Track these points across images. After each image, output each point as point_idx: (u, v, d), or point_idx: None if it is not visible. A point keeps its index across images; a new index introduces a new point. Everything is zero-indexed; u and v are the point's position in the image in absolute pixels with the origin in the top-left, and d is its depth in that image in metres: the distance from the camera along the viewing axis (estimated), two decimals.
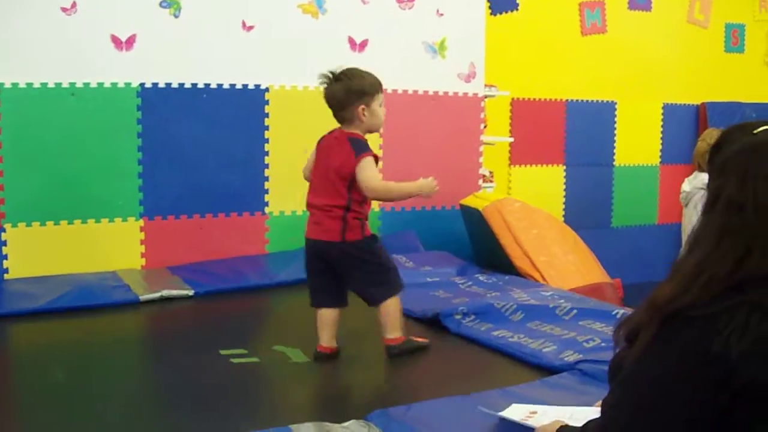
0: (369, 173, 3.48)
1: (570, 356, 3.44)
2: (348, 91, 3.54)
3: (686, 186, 5.36)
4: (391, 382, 3.61)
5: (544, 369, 3.44)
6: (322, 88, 3.65)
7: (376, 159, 3.57)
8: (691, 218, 5.31)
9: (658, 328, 1.59)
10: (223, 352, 3.69)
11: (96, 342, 4.10)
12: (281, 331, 4.38)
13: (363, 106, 3.55)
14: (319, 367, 3.65)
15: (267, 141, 5.43)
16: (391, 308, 3.61)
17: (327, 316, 3.64)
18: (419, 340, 3.77)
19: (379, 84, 3.67)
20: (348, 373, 3.68)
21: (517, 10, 6.91)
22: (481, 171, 6.11)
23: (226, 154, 5.33)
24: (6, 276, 4.97)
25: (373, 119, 3.60)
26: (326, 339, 3.64)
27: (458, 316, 4.10)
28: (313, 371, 3.63)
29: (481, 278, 4.88)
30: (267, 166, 5.45)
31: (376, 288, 3.60)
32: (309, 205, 3.65)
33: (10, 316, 4.36)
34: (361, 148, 3.53)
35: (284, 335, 4.14)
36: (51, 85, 4.98)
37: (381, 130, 3.92)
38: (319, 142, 3.69)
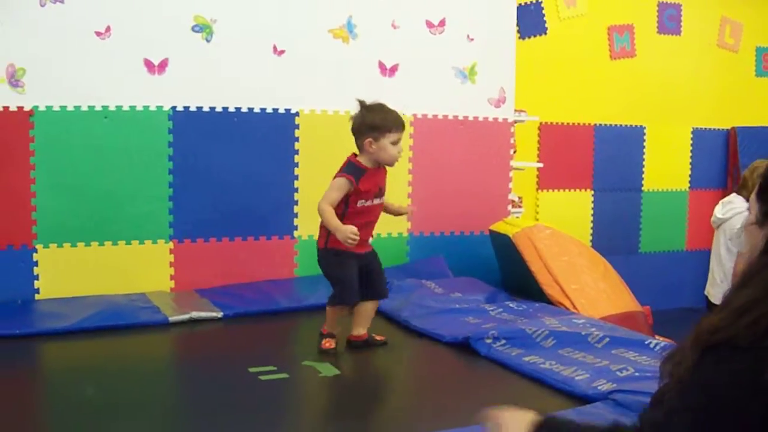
0: (327, 191, 3.93)
1: (603, 385, 3.40)
2: (361, 123, 3.95)
3: (719, 211, 5.31)
4: (418, 405, 3.58)
5: (577, 397, 3.40)
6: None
7: (352, 183, 3.91)
8: (719, 244, 5.23)
9: (702, 357, 1.58)
10: (252, 369, 3.72)
11: (125, 362, 4.11)
12: (310, 349, 4.37)
13: (370, 139, 3.92)
14: (348, 381, 3.69)
15: (297, 165, 5.44)
16: (329, 313, 4.13)
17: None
18: (378, 338, 4.25)
19: (396, 123, 3.96)
20: (376, 393, 3.67)
21: (545, 34, 6.91)
22: (510, 196, 6.09)
23: (256, 178, 5.34)
24: (37, 296, 5.02)
25: (379, 153, 3.94)
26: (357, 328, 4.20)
27: (489, 340, 4.09)
28: (342, 386, 3.65)
29: (511, 305, 4.85)
30: (296, 190, 5.46)
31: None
32: None
33: (41, 336, 4.40)
34: (344, 169, 3.97)
35: (313, 352, 4.15)
36: (84, 108, 5.03)
37: (394, 165, 4.06)
38: None
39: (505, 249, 5.41)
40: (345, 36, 5.51)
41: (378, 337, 4.23)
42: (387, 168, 4.10)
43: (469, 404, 3.45)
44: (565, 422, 1.85)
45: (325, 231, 3.96)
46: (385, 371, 4.05)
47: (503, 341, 4.07)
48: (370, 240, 4.16)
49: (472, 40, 5.87)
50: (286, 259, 5.47)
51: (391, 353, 4.30)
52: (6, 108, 4.92)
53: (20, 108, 4.94)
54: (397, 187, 5.65)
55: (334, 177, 3.94)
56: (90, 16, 5.04)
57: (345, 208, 3.92)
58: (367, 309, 4.17)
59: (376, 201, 4.02)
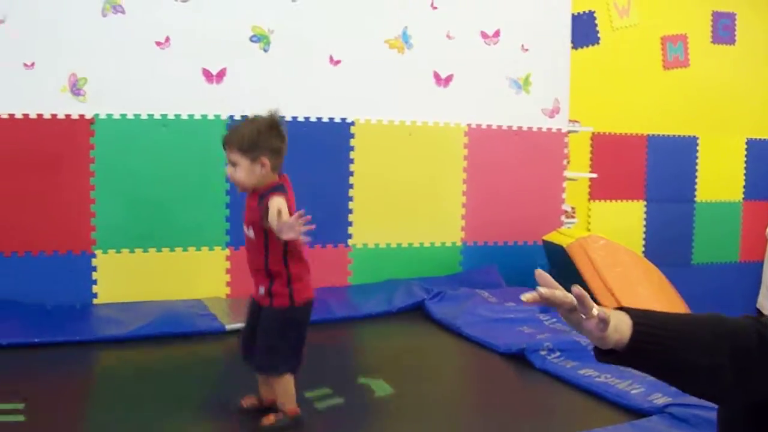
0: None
1: (659, 399, 3.38)
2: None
3: None
4: (475, 423, 3.57)
5: (632, 411, 3.39)
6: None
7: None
8: None
9: None
10: (307, 394, 3.64)
11: (181, 369, 4.17)
12: (364, 363, 4.41)
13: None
14: (403, 400, 3.67)
15: (352, 174, 5.49)
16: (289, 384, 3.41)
17: None
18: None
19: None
20: (431, 412, 3.65)
21: (598, 44, 6.89)
22: (563, 206, 6.08)
23: (311, 187, 5.36)
24: (95, 301, 5.11)
25: None
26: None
27: (543, 352, 4.09)
28: (396, 408, 3.63)
29: None
30: (351, 198, 5.50)
31: None
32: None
33: (99, 342, 4.48)
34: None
35: (367, 366, 4.19)
36: (143, 116, 5.12)
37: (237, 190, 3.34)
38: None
39: (559, 259, 5.40)
40: (400, 46, 5.55)
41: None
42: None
43: (527, 421, 3.49)
44: (661, 317, 1.78)
45: (286, 285, 3.21)
46: (439, 386, 4.02)
47: (558, 353, 4.07)
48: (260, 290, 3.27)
49: (526, 50, 5.88)
50: (341, 267, 5.51)
51: (445, 365, 4.32)
52: (68, 116, 5.03)
53: (81, 116, 5.04)
54: (451, 196, 5.68)
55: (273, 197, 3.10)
56: (150, 26, 5.14)
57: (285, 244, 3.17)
58: None
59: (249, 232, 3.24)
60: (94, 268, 5.11)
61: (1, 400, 3.46)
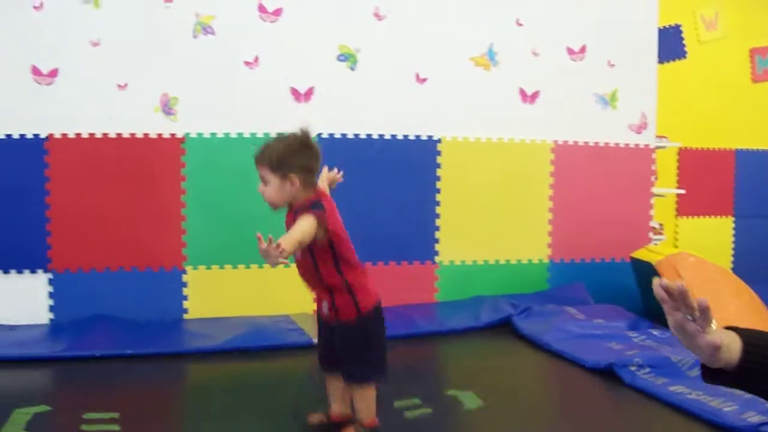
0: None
1: (752, 417, 3.31)
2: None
3: None
4: None
5: (725, 429, 3.33)
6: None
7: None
8: None
9: None
10: (397, 403, 3.73)
11: (270, 382, 4.24)
12: (452, 376, 4.43)
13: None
14: (492, 413, 3.68)
15: (438, 191, 5.50)
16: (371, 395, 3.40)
17: None
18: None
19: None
20: (521, 426, 3.64)
21: (685, 57, 6.80)
22: (651, 223, 6.01)
23: (398, 204, 5.42)
24: (185, 316, 5.21)
25: None
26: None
27: (633, 368, 4.05)
28: (485, 420, 3.64)
29: (654, 333, 4.79)
30: (438, 215, 5.51)
31: None
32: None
33: (189, 355, 4.58)
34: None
35: (457, 379, 4.21)
36: (233, 134, 5.21)
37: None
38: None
39: (648, 277, 5.31)
40: (486, 64, 5.55)
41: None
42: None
43: None
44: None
45: (348, 295, 3.18)
46: (528, 400, 4.03)
47: (647, 369, 4.03)
48: (323, 307, 3.26)
49: (612, 65, 5.83)
50: (427, 284, 5.52)
51: (534, 379, 4.31)
52: (159, 135, 5.14)
53: (173, 135, 5.15)
54: (537, 213, 5.66)
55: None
56: (239, 46, 5.24)
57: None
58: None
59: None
60: (185, 284, 5.21)
61: (96, 410, 3.56)
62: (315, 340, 4.55)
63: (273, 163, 3.09)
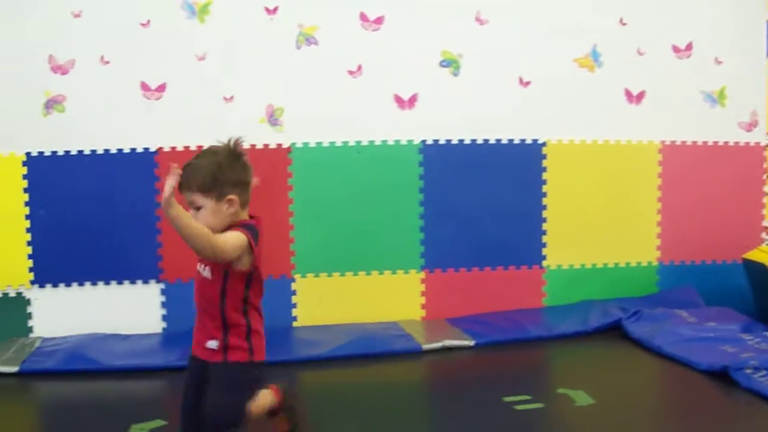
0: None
1: None
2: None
3: None
4: None
5: None
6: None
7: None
8: None
9: None
10: (506, 399, 3.78)
11: (380, 388, 4.28)
12: (564, 377, 4.40)
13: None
14: (604, 410, 3.67)
15: (545, 195, 5.45)
16: None
17: None
18: None
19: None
20: (633, 424, 3.60)
21: None
22: (764, 223, 5.85)
23: (504, 208, 5.39)
24: (294, 324, 5.28)
25: None
26: None
27: (749, 371, 3.96)
28: (598, 415, 3.63)
29: None
30: (545, 219, 5.46)
31: None
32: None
33: (299, 362, 4.64)
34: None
35: (567, 379, 4.20)
36: (338, 143, 5.25)
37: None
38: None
39: (761, 278, 5.20)
40: (590, 65, 5.48)
41: None
42: None
43: None
44: None
45: (244, 340, 2.72)
46: (641, 400, 3.99)
47: (764, 372, 3.93)
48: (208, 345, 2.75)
49: (720, 62, 5.69)
50: (534, 289, 5.47)
51: (646, 380, 4.26)
52: (266, 146, 5.21)
53: (279, 145, 5.22)
54: (646, 215, 5.56)
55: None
56: (342, 55, 5.28)
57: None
58: None
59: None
60: (294, 292, 5.26)
61: None
62: (424, 346, 4.61)
63: (205, 183, 2.60)
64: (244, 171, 2.71)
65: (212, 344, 2.67)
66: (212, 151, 2.70)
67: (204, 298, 2.69)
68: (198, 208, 2.61)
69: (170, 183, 2.42)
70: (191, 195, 2.61)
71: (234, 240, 2.56)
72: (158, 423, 3.61)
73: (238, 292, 2.65)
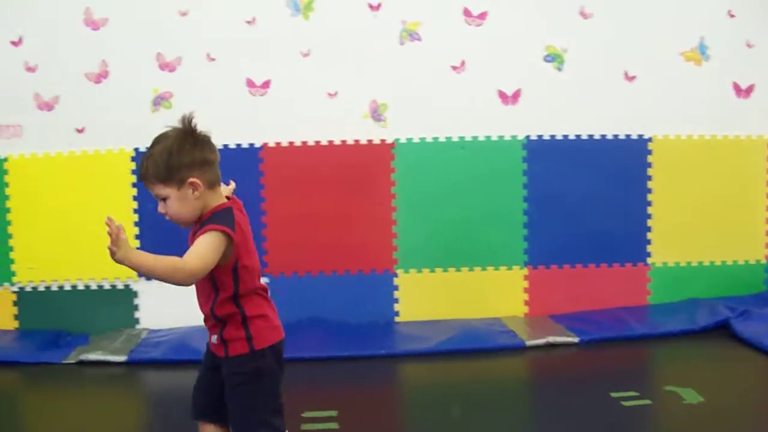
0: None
1: None
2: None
3: None
4: None
5: None
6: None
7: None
8: None
9: None
10: (613, 394, 3.77)
11: (484, 384, 4.30)
12: (672, 375, 4.36)
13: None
14: (713, 408, 3.63)
15: (650, 191, 5.37)
16: None
17: None
18: None
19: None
20: (743, 423, 3.55)
21: None
22: None
23: (609, 205, 5.33)
24: (397, 319, 5.30)
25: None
26: None
27: None
28: (707, 414, 3.59)
29: None
30: (650, 216, 5.38)
31: None
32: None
33: (401, 356, 4.68)
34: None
35: (675, 377, 4.15)
36: (441, 139, 5.26)
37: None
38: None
39: None
40: (697, 58, 5.39)
41: None
42: None
43: None
44: None
45: (241, 329, 2.55)
46: (752, 400, 3.91)
47: None
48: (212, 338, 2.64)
49: None
50: (639, 286, 5.40)
51: (756, 380, 4.21)
52: (370, 141, 5.24)
53: (383, 141, 5.24)
54: (754, 211, 5.44)
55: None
56: (446, 51, 5.28)
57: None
58: None
59: None
60: (396, 287, 5.29)
61: (315, 408, 3.72)
62: (527, 342, 4.60)
63: (160, 172, 2.42)
64: (199, 149, 2.45)
65: (214, 339, 2.58)
66: (162, 136, 2.49)
67: (201, 295, 2.56)
68: (164, 200, 2.45)
69: (112, 235, 2.21)
70: (153, 187, 2.45)
71: (205, 248, 2.37)
72: None
73: (228, 285, 2.47)
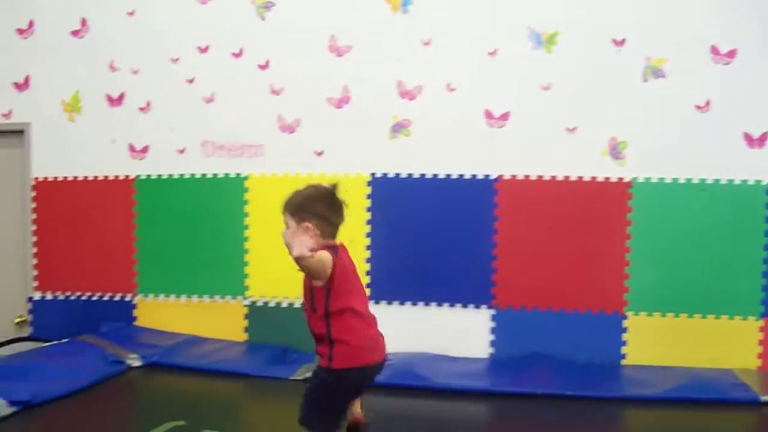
0: None
1: None
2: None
3: None
4: None
5: None
6: None
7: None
8: None
9: None
10: None
11: None
12: None
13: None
14: None
15: None
16: None
17: None
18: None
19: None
20: None
21: None
22: None
23: None
24: (623, 362, 5.19)
25: None
26: None
27: None
28: None
29: None
30: None
31: None
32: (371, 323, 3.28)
33: (627, 401, 4.58)
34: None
35: None
36: (681, 180, 5.12)
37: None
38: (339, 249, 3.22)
39: None
40: None
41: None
42: None
43: None
44: None
45: (328, 346, 3.15)
46: None
47: None
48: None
49: None
50: None
51: None
52: (607, 179, 5.16)
53: (620, 179, 5.15)
54: None
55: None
56: (690, 90, 5.14)
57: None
58: None
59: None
60: (625, 329, 5.19)
61: None
62: (762, 398, 4.43)
63: (293, 207, 3.15)
64: (326, 208, 3.15)
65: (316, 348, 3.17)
66: (313, 185, 3.23)
67: (307, 312, 3.17)
68: (287, 226, 3.12)
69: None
70: (285, 214, 3.14)
71: (321, 255, 3.00)
72: None
73: (321, 304, 3.08)
